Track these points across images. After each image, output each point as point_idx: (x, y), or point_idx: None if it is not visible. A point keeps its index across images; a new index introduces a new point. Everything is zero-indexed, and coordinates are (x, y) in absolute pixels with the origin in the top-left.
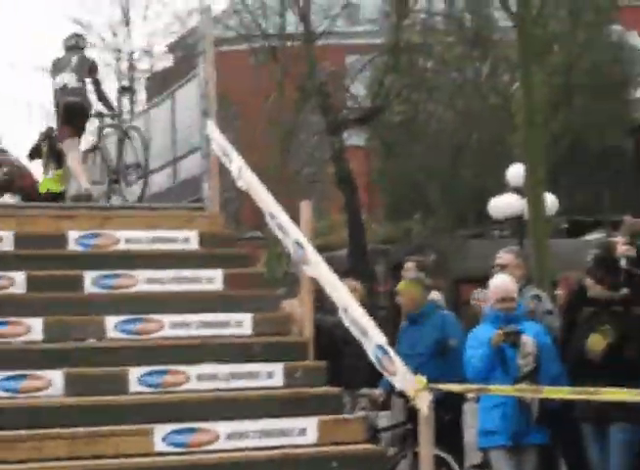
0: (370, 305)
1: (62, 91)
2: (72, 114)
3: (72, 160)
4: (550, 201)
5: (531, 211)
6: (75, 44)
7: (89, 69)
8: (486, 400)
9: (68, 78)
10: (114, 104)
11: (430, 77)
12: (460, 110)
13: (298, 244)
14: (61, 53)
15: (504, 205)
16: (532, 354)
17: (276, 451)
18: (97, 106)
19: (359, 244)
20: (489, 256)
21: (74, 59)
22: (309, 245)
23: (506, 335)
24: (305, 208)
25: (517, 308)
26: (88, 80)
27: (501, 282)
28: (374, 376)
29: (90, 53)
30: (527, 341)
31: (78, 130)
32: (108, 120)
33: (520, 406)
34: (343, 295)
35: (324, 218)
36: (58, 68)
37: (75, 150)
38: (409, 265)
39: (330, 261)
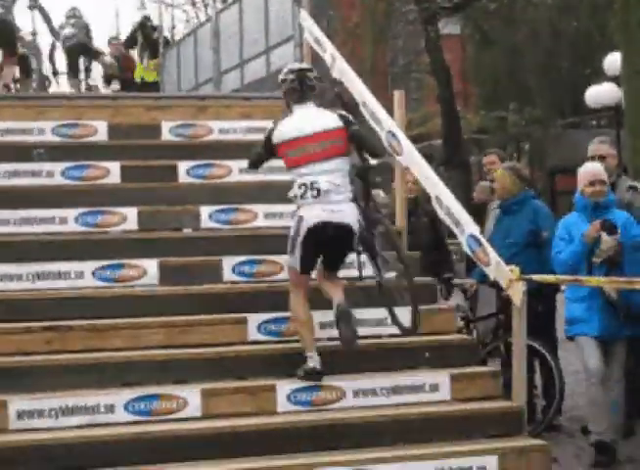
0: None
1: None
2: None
3: None
4: None
5: (627, 101)
6: (73, 14)
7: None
8: (573, 293)
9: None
10: None
11: None
12: None
13: (392, 134)
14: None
15: (601, 94)
16: (607, 254)
17: (369, 341)
18: None
19: (454, 134)
20: (586, 145)
21: (72, 21)
22: (403, 135)
23: (602, 224)
24: (399, 97)
25: (606, 195)
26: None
27: (590, 167)
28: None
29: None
30: (607, 241)
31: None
32: None
33: (606, 302)
34: (436, 184)
35: (419, 109)
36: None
37: None
38: (492, 158)
39: (426, 151)
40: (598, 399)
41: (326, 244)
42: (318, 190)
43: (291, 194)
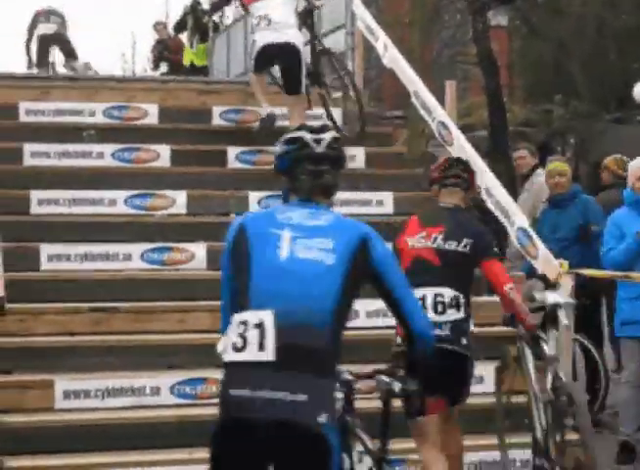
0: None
1: None
2: None
3: None
4: None
5: None
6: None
7: None
8: (626, 291)
9: None
10: None
11: None
12: None
13: (442, 124)
14: None
15: None
16: None
17: None
18: None
19: (499, 126)
20: (631, 141)
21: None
22: (454, 125)
23: None
24: (450, 88)
25: None
26: None
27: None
28: None
29: None
30: None
31: None
32: None
33: None
34: (487, 176)
35: (464, 99)
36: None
37: None
38: (522, 153)
39: (472, 142)
40: (630, 402)
41: (276, 58)
42: (270, 20)
43: (250, 25)
